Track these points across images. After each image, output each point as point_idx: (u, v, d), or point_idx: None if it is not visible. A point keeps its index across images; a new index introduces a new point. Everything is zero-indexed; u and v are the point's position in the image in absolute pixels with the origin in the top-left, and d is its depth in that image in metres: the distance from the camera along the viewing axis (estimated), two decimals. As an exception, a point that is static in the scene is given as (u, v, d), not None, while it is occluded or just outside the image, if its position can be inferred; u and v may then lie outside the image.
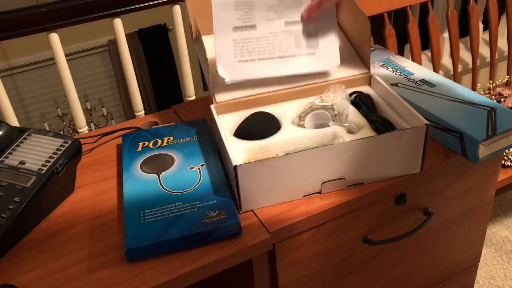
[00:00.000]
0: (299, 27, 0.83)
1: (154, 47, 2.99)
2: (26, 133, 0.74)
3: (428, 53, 2.15)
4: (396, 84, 0.89)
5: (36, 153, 0.71)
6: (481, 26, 2.02)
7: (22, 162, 0.70)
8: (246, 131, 0.76)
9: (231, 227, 0.63)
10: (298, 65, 0.83)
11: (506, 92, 1.60)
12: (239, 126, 0.77)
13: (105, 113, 2.60)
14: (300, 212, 0.67)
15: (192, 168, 0.73)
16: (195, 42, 0.90)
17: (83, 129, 1.62)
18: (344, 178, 0.70)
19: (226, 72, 0.81)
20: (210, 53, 0.85)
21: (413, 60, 1.51)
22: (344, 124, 0.75)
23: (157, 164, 0.74)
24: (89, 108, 2.61)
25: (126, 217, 0.65)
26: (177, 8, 1.60)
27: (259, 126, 0.76)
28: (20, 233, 0.67)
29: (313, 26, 0.84)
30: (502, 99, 1.57)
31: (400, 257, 0.86)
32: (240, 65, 0.81)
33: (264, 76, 0.82)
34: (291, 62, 0.84)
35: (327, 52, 0.84)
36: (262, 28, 0.82)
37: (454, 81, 1.06)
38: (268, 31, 0.82)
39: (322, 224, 0.71)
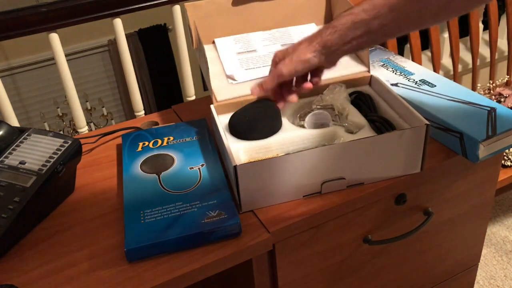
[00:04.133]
0: None
1: (154, 47, 2.99)
2: (26, 133, 0.74)
3: (428, 53, 2.14)
4: (396, 84, 0.89)
5: (36, 153, 0.71)
6: (481, 26, 2.02)
7: (22, 162, 0.70)
8: (245, 126, 0.74)
9: (231, 227, 0.63)
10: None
11: (506, 92, 1.60)
12: (235, 119, 0.75)
13: (105, 113, 2.59)
14: (300, 212, 0.67)
15: (192, 168, 0.73)
16: (196, 50, 0.91)
17: (83, 129, 1.62)
18: (344, 178, 0.70)
19: (235, 75, 0.85)
20: (210, 57, 0.87)
21: (413, 60, 1.51)
22: (344, 124, 0.75)
23: (157, 164, 0.74)
24: (89, 108, 2.60)
25: (126, 217, 0.65)
26: (177, 8, 1.60)
27: (259, 124, 0.74)
28: (20, 233, 0.67)
29: None
30: (502, 99, 1.57)
31: (400, 257, 0.85)
32: (247, 71, 0.86)
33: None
34: None
35: None
36: (261, 50, 0.91)
37: (454, 81, 1.06)
38: (268, 51, 0.90)
39: (322, 224, 0.71)
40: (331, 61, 0.69)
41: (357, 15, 0.64)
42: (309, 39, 0.68)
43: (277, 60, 0.71)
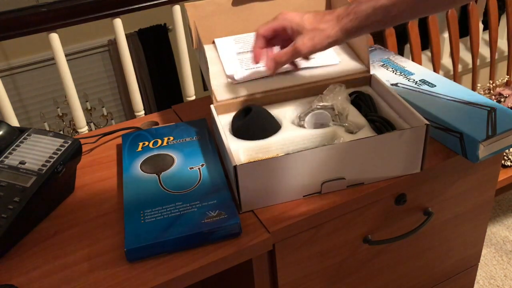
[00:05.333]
0: None
1: (154, 47, 2.99)
2: (26, 133, 0.74)
3: (428, 53, 2.15)
4: (396, 84, 0.89)
5: (36, 153, 0.71)
6: (481, 26, 2.02)
7: (22, 162, 0.70)
8: (245, 130, 0.75)
9: (231, 227, 0.63)
10: (300, 63, 0.86)
11: (506, 92, 1.60)
12: (235, 124, 0.77)
13: (105, 113, 2.60)
14: (300, 212, 0.67)
15: (192, 168, 0.73)
16: (196, 50, 0.91)
17: (83, 129, 1.62)
18: (344, 178, 0.70)
19: (235, 75, 0.84)
20: (210, 57, 0.87)
21: (413, 60, 1.51)
22: (344, 124, 0.75)
23: (157, 164, 0.74)
24: (89, 108, 2.60)
25: (126, 217, 0.65)
26: (177, 8, 1.60)
27: (259, 127, 0.76)
28: (20, 233, 0.67)
29: None
30: (502, 99, 1.57)
31: (400, 257, 0.86)
32: (248, 71, 0.86)
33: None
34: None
35: (325, 55, 0.88)
36: None
37: (454, 81, 1.06)
38: None
39: (322, 224, 0.71)
40: (343, 43, 0.71)
41: (378, 1, 0.65)
42: (329, 22, 0.69)
43: (286, 25, 0.71)
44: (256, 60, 0.76)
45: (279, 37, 0.75)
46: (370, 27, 0.67)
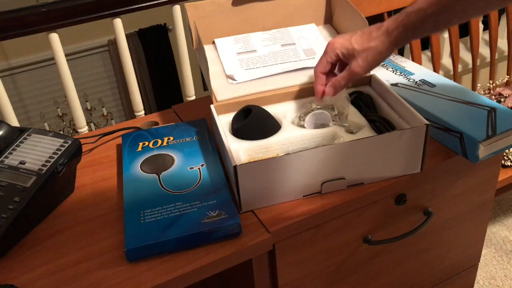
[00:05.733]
0: (295, 46, 0.91)
1: (154, 47, 2.99)
2: (26, 133, 0.74)
3: (428, 53, 2.14)
4: (396, 84, 0.89)
5: (36, 153, 0.71)
6: (481, 26, 2.02)
7: (22, 162, 0.70)
8: (245, 131, 0.76)
9: (231, 227, 0.63)
10: (300, 64, 0.87)
11: (506, 92, 1.60)
12: (235, 125, 0.77)
13: (105, 113, 2.59)
14: (300, 212, 0.67)
15: (192, 168, 0.73)
16: (196, 50, 0.91)
17: (83, 129, 1.62)
18: (344, 178, 0.70)
19: (235, 75, 0.84)
20: (210, 57, 0.87)
21: (413, 60, 1.51)
22: (344, 124, 0.75)
23: (157, 164, 0.74)
24: (89, 108, 2.60)
25: (126, 217, 0.65)
26: (177, 8, 1.60)
27: (259, 127, 0.76)
28: (20, 233, 0.67)
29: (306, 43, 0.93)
30: (502, 99, 1.57)
31: (400, 257, 0.86)
32: (247, 71, 0.86)
33: (269, 74, 0.85)
34: (293, 64, 0.88)
35: None
36: (262, 50, 0.90)
37: (454, 81, 1.06)
38: (268, 51, 0.90)
39: (322, 224, 0.71)
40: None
41: (426, 11, 0.65)
42: (378, 38, 0.70)
43: (338, 54, 0.73)
44: (320, 98, 0.77)
45: (335, 65, 0.77)
46: (420, 35, 0.69)
